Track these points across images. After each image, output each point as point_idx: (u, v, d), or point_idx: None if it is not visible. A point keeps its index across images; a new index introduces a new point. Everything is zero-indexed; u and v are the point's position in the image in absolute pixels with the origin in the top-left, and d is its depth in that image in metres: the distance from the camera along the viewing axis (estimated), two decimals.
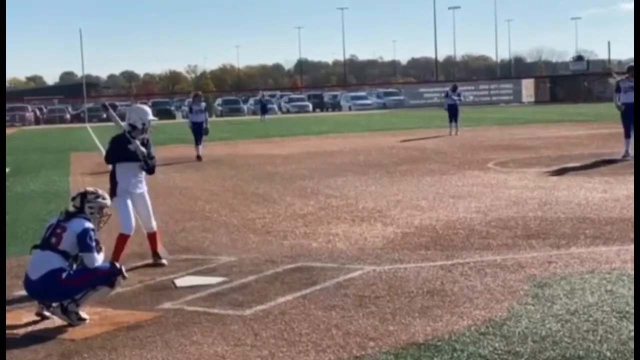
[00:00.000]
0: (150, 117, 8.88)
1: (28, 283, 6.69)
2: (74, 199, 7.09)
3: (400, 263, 8.31)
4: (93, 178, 17.56)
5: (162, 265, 8.71)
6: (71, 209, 7.00)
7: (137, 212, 8.88)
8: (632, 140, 18.03)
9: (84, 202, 7.00)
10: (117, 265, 6.87)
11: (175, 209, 13.15)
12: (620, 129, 18.87)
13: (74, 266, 6.74)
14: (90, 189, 7.28)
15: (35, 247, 6.79)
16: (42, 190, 16.32)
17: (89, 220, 6.87)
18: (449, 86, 34.18)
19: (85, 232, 6.71)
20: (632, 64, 20.79)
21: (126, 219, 8.67)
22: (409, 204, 12.50)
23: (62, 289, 6.53)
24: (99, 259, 6.77)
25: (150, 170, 8.85)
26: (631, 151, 17.95)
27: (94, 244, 6.73)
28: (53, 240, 6.69)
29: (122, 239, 8.63)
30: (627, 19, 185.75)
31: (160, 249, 9.10)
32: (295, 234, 10.32)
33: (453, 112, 30.91)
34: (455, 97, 31.63)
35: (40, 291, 6.59)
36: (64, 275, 6.57)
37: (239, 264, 8.60)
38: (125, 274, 6.82)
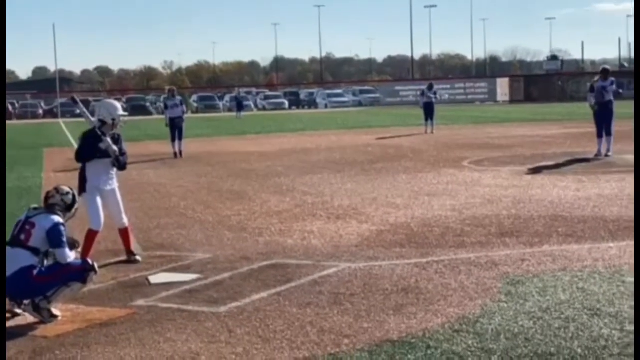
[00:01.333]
0: (120, 112, 8.82)
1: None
2: (65, 194, 7.10)
3: (375, 261, 8.34)
4: (66, 174, 17.42)
5: (136, 262, 8.67)
6: (57, 201, 6.97)
7: (108, 209, 8.81)
8: (604, 140, 18.27)
9: (48, 201, 6.98)
10: (89, 261, 6.82)
11: (150, 205, 13.09)
12: (593, 129, 19.06)
13: (45, 262, 6.69)
14: (59, 187, 7.22)
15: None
16: (15, 186, 16.16)
17: (58, 215, 6.82)
18: (426, 85, 34.28)
19: (54, 227, 6.66)
20: (606, 66, 21.11)
21: (95, 215, 8.61)
22: (385, 201, 12.53)
23: (34, 286, 6.48)
24: (71, 254, 6.72)
25: (121, 167, 8.79)
26: (603, 150, 18.17)
27: (64, 239, 6.68)
28: (22, 236, 6.63)
29: (91, 235, 8.58)
30: (601, 20, 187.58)
31: (134, 246, 9.05)
32: (271, 231, 10.32)
33: (429, 111, 31.03)
34: (432, 96, 31.75)
35: (12, 289, 6.52)
36: (35, 272, 6.52)
37: (213, 261, 8.58)
38: (97, 270, 6.78)
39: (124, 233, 8.90)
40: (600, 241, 8.85)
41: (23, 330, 6.32)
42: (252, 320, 6.33)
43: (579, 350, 5.33)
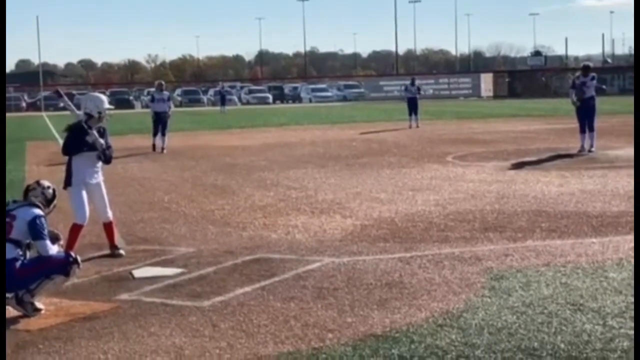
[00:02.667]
0: (106, 105, 8.79)
1: None
2: (47, 187, 7.07)
3: (359, 255, 8.35)
4: (49, 168, 17.34)
5: (119, 256, 8.64)
6: (37, 194, 6.94)
7: (93, 202, 8.78)
8: (587, 135, 18.35)
9: (28, 194, 6.95)
10: (72, 254, 6.78)
11: (134, 199, 13.04)
12: (576, 125, 19.14)
13: (28, 255, 6.66)
14: (41, 181, 7.18)
15: None
16: None
17: (38, 207, 6.79)
18: (409, 80, 34.32)
19: (35, 219, 6.63)
20: (587, 62, 21.23)
21: (80, 208, 8.58)
22: (368, 196, 12.55)
23: (17, 278, 6.44)
24: (53, 247, 6.70)
25: (107, 160, 8.76)
26: (586, 146, 18.26)
27: (45, 231, 6.65)
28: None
29: (76, 229, 8.55)
30: (584, 16, 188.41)
31: (118, 240, 9.02)
32: (255, 225, 10.30)
33: (413, 106, 31.13)
34: (414, 90, 31.83)
35: None
36: (17, 264, 6.48)
37: (197, 255, 8.56)
38: (81, 263, 6.75)
39: (108, 227, 8.87)
40: (583, 236, 8.90)
41: (6, 324, 6.28)
42: (236, 315, 6.33)
43: (562, 345, 5.36)
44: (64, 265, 6.59)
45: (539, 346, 5.36)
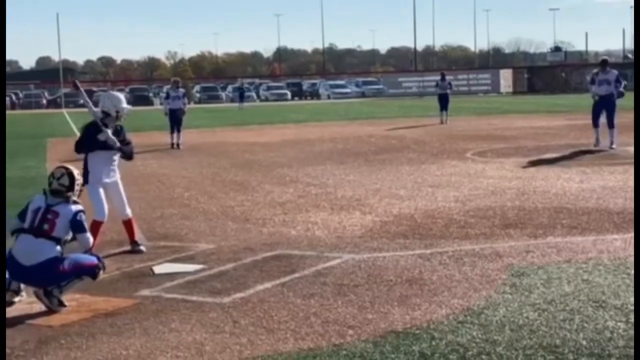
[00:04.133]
0: (124, 104, 8.81)
1: (17, 268, 6.60)
2: (59, 177, 7.01)
3: (379, 252, 8.33)
4: (70, 164, 17.41)
5: (140, 252, 8.68)
6: (56, 186, 6.94)
7: (110, 200, 8.82)
8: (607, 132, 18.20)
9: (74, 183, 7.00)
10: (102, 261, 6.89)
11: (153, 196, 13.09)
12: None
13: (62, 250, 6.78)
14: (53, 172, 7.18)
15: (22, 231, 6.73)
16: (19, 176, 16.17)
17: (76, 202, 6.93)
18: (439, 76, 34.17)
19: (76, 215, 6.79)
20: (605, 57, 20.94)
21: (99, 205, 8.62)
22: (388, 192, 12.52)
23: (55, 276, 6.56)
24: (92, 239, 6.96)
25: (128, 157, 8.81)
26: (606, 143, 18.10)
27: (86, 224, 6.90)
28: (46, 226, 6.67)
29: (96, 225, 8.57)
30: (604, 11, 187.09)
31: (138, 236, 9.05)
32: (274, 221, 10.31)
33: (444, 101, 31.18)
34: (446, 85, 31.79)
35: (35, 277, 6.57)
36: (60, 263, 6.60)
37: (217, 252, 8.58)
38: (105, 268, 6.97)
39: (127, 224, 8.91)
40: (604, 233, 8.85)
41: (28, 320, 6.34)
42: (256, 311, 6.34)
43: (584, 342, 5.33)
44: (94, 268, 6.74)
45: (561, 343, 5.33)
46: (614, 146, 18.01)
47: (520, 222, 9.66)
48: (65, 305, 6.57)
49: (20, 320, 6.35)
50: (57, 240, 6.68)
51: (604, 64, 18.77)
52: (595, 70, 19.28)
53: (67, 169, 7.14)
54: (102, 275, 6.87)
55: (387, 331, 5.72)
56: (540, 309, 6.09)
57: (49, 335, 5.94)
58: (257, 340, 5.65)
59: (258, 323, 6.04)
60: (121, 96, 9.06)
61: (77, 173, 7.17)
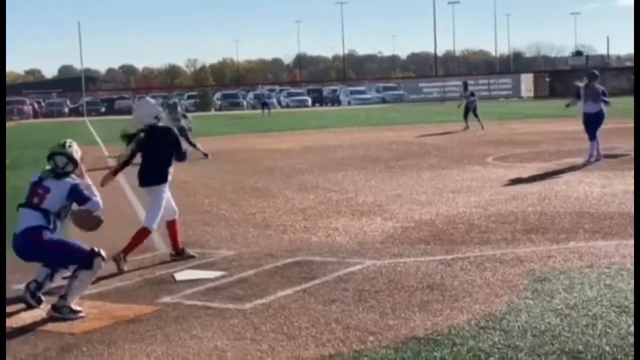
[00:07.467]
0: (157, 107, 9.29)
1: (13, 239, 6.81)
2: (56, 156, 7.08)
3: (400, 257, 8.32)
4: (94, 173, 17.51)
5: (192, 257, 8.69)
6: (51, 164, 7.06)
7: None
8: (590, 144, 16.87)
9: (69, 163, 7.04)
10: (95, 248, 6.75)
11: (175, 202, 13.10)
12: (618, 125, 18.76)
13: (58, 224, 6.84)
14: (73, 150, 7.17)
15: (21, 205, 6.93)
16: None
17: (68, 175, 6.97)
18: (460, 81, 33.70)
19: (72, 189, 6.87)
20: (594, 70, 19.02)
21: (157, 214, 8.71)
22: (409, 198, 12.50)
23: (37, 247, 6.66)
24: (99, 199, 7.01)
25: (182, 158, 9.26)
26: (593, 155, 16.70)
27: (86, 191, 6.93)
28: (35, 199, 6.83)
29: (144, 234, 8.61)
30: (625, 14, 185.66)
31: (168, 243, 9.07)
32: (295, 228, 10.32)
33: (467, 110, 30.34)
34: (468, 94, 30.71)
35: (21, 245, 6.72)
36: (45, 234, 6.69)
37: (238, 258, 8.60)
38: (105, 257, 6.79)
39: (173, 225, 8.96)
40: (627, 237, 8.77)
41: (50, 327, 6.37)
42: (277, 317, 6.34)
43: (607, 348, 5.28)
44: (86, 257, 6.66)
45: (584, 349, 5.29)
46: (592, 159, 16.58)
47: (542, 227, 9.60)
48: (79, 311, 6.58)
49: (42, 327, 6.39)
50: (44, 212, 6.76)
51: (592, 78, 17.15)
52: (582, 84, 17.52)
53: (64, 150, 7.09)
54: (102, 264, 6.75)
55: (408, 337, 5.71)
56: (562, 315, 6.04)
57: (71, 343, 5.97)
58: (278, 347, 5.65)
59: (279, 329, 6.04)
60: (151, 100, 9.64)
61: (75, 151, 7.10)
